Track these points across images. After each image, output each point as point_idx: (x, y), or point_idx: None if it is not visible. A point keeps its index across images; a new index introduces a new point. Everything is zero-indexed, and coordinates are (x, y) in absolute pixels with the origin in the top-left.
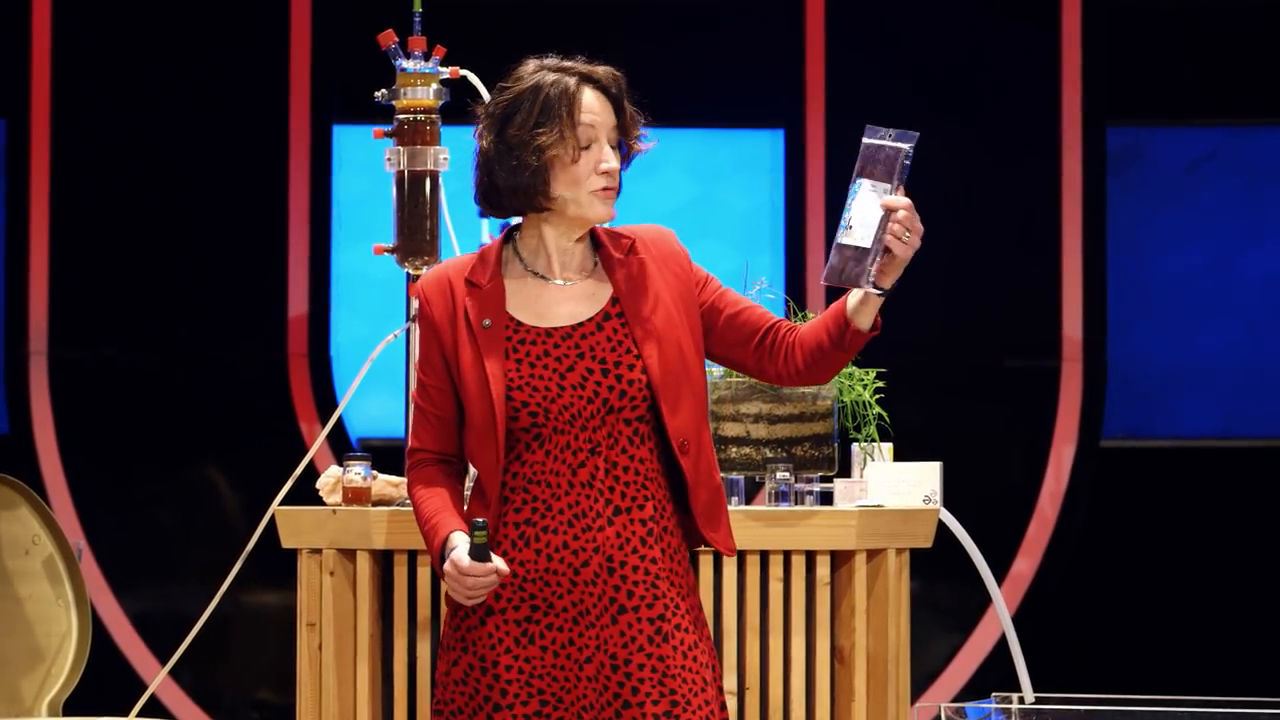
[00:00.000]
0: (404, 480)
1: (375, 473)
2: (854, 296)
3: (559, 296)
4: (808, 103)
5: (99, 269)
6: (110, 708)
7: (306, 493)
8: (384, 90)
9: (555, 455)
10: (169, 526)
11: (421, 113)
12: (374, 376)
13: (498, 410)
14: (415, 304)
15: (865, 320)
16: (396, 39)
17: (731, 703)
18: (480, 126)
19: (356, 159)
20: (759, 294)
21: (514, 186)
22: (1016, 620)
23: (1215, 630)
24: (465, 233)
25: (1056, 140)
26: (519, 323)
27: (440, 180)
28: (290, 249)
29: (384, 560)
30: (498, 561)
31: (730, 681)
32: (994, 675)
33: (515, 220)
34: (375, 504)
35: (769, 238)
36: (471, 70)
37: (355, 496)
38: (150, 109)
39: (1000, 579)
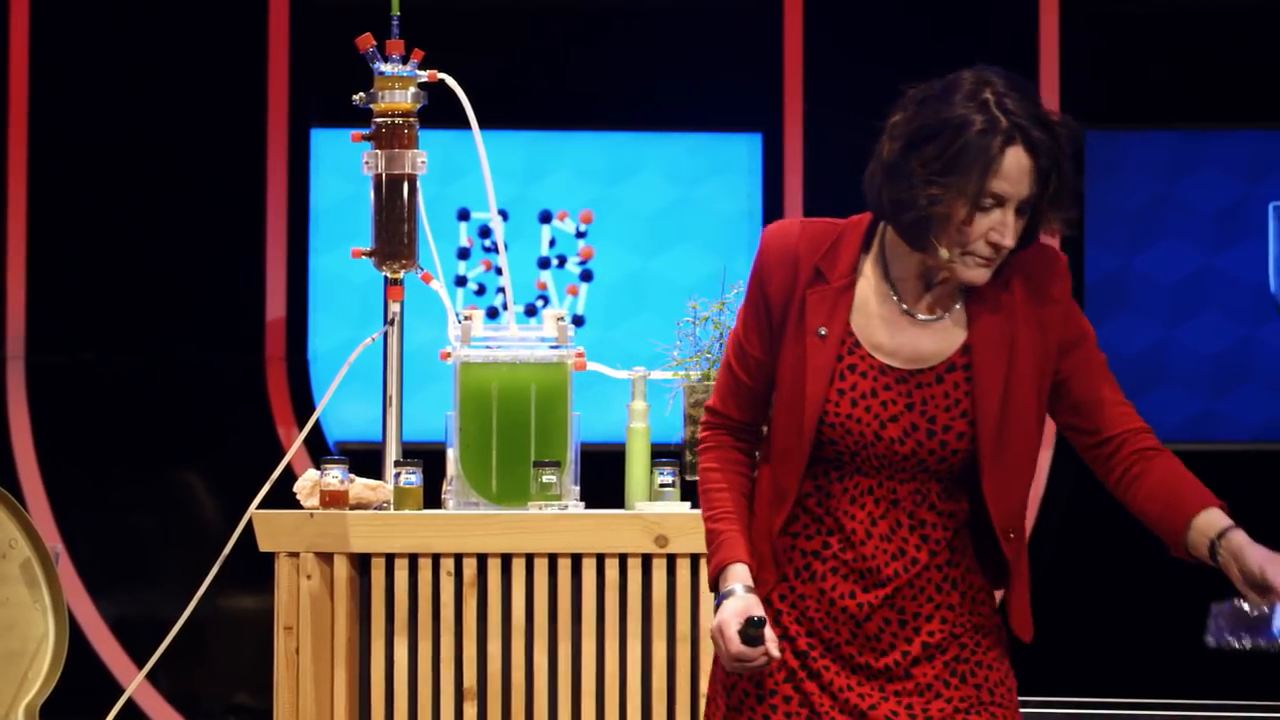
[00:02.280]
0: (381, 484)
1: (353, 476)
2: (1199, 531)
3: (909, 331)
4: (785, 107)
5: (76, 273)
6: (87, 712)
7: (284, 496)
8: (362, 94)
9: (854, 497)
10: (146, 530)
11: (399, 116)
12: (352, 380)
13: (805, 436)
14: (756, 254)
15: (1179, 549)
16: (375, 42)
17: None
18: (896, 118)
19: (334, 162)
20: (736, 297)
21: (895, 215)
22: None
23: (1196, 633)
24: (442, 236)
25: None
26: (856, 343)
27: (418, 184)
28: (268, 252)
29: (362, 564)
30: (771, 646)
31: (707, 685)
32: None
33: None
34: (353, 507)
35: (747, 242)
36: (449, 74)
37: (333, 500)
38: (127, 112)
39: None
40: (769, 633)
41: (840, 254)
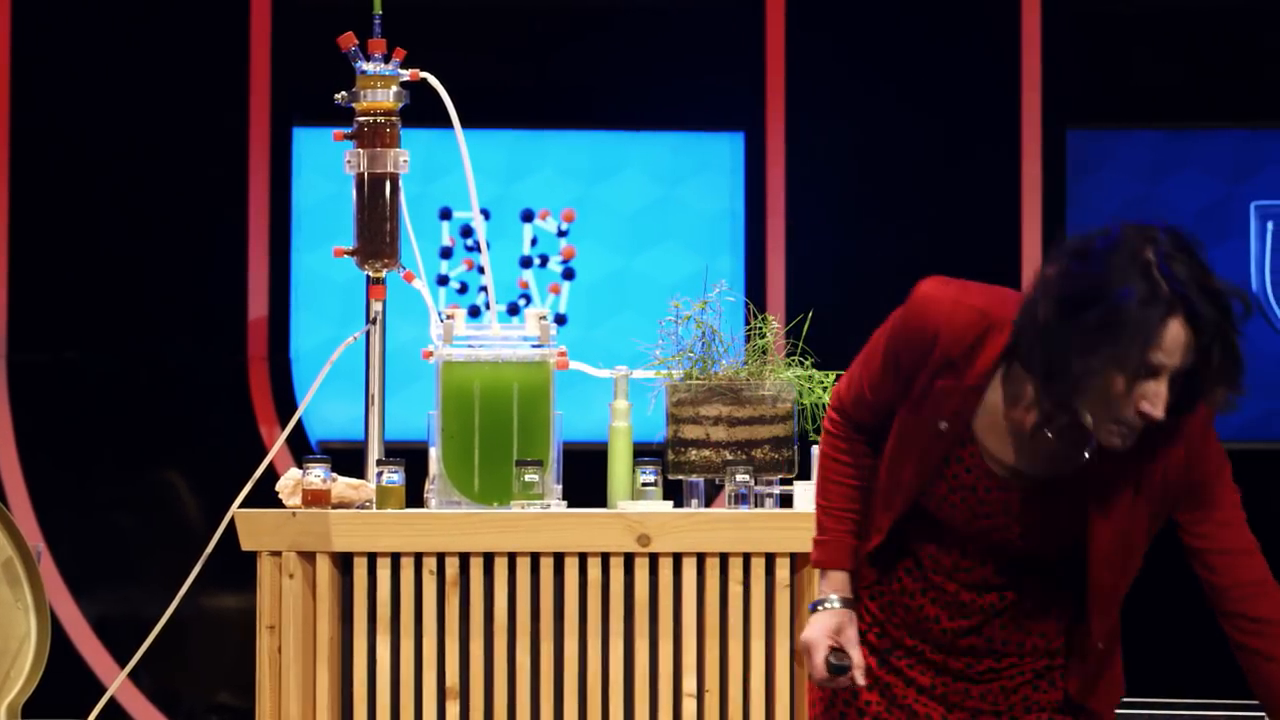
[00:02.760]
0: (363, 483)
1: (335, 475)
2: None
3: (1027, 450)
4: (768, 106)
5: (58, 272)
6: (69, 711)
7: (266, 495)
8: (344, 93)
9: (942, 544)
10: (129, 529)
11: (381, 115)
12: (334, 379)
13: (900, 502)
14: (905, 320)
15: None
16: (357, 41)
17: (690, 705)
18: (1049, 271)
19: (317, 161)
20: (719, 297)
21: (1045, 379)
22: None
23: (1186, 634)
24: (424, 235)
25: (1017, 144)
26: (972, 439)
27: (400, 183)
28: (250, 251)
29: (344, 563)
30: (857, 674)
31: (690, 683)
32: None
33: None
34: (335, 506)
35: (729, 240)
36: (432, 72)
37: (315, 499)
38: (109, 110)
39: None
40: (856, 657)
41: (980, 355)
